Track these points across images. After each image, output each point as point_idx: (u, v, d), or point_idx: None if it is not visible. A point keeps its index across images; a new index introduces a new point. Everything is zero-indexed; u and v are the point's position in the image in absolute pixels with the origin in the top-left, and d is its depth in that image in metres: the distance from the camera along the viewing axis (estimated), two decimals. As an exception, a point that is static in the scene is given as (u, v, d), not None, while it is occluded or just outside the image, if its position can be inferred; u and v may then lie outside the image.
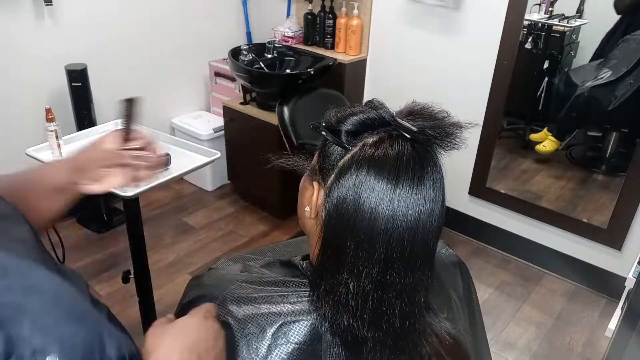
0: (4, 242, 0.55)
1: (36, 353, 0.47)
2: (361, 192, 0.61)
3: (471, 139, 2.82)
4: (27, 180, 0.80)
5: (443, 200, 0.64)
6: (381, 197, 0.60)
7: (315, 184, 0.69)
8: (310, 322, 0.69)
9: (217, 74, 2.99)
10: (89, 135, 1.91)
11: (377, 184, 0.61)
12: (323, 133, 0.68)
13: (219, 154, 1.76)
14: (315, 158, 0.71)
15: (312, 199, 0.69)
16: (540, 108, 2.89)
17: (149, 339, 0.64)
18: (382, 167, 0.61)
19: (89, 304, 0.60)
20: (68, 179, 0.80)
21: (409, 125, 0.63)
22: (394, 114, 0.65)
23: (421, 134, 0.63)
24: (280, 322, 0.68)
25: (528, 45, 2.72)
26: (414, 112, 0.66)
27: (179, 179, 1.69)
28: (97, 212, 2.65)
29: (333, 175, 0.65)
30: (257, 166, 2.77)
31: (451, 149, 0.65)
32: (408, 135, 0.63)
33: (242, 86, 2.73)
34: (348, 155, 0.64)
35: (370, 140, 0.64)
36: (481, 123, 2.44)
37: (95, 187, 0.81)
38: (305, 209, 0.71)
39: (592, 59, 2.68)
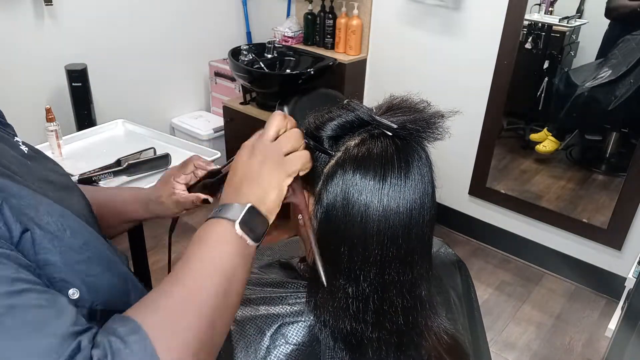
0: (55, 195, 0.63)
1: (62, 281, 0.56)
2: (349, 197, 0.60)
3: (471, 139, 2.83)
4: (109, 209, 0.90)
5: (433, 191, 0.63)
6: (370, 198, 0.60)
7: (304, 191, 0.68)
8: (309, 323, 0.68)
9: (217, 74, 2.99)
10: (89, 135, 1.92)
11: (365, 186, 0.60)
12: (304, 141, 0.67)
13: (219, 154, 1.76)
14: None
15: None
16: (540, 108, 2.89)
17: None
18: (367, 167, 0.60)
19: (119, 261, 0.67)
20: (145, 211, 0.91)
21: (388, 123, 0.61)
22: (373, 112, 0.64)
23: (402, 129, 0.61)
24: (278, 324, 0.68)
25: (528, 45, 2.72)
26: (393, 107, 0.65)
27: (179, 179, 1.69)
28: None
29: (320, 183, 0.64)
30: (257, 166, 2.77)
31: (435, 140, 0.64)
32: (389, 133, 0.62)
33: (242, 86, 2.73)
34: (332, 161, 0.63)
35: (352, 142, 0.63)
36: (481, 123, 2.44)
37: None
38: (299, 217, 0.70)
39: (598, 58, 2.68)
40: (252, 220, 0.58)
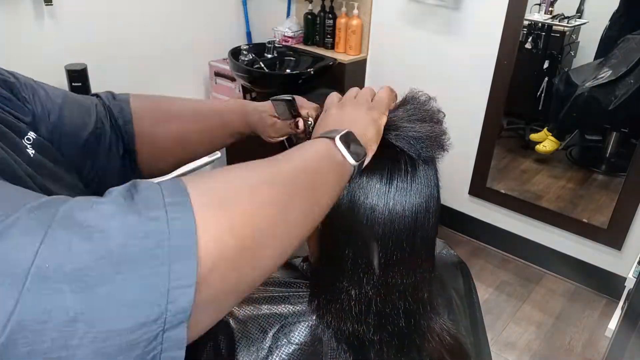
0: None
1: None
2: (355, 199, 0.60)
3: (471, 139, 2.82)
4: (214, 120, 0.88)
5: (438, 195, 0.64)
6: (376, 201, 0.60)
7: None
8: (311, 323, 0.68)
9: (217, 74, 2.98)
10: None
11: (371, 189, 0.60)
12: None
13: (219, 154, 1.75)
14: None
15: None
16: (540, 108, 2.89)
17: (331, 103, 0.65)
18: (373, 170, 0.60)
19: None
20: (248, 128, 0.88)
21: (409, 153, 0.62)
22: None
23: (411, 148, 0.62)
24: (281, 323, 0.68)
25: (528, 45, 2.72)
26: (410, 111, 0.64)
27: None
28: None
29: None
30: (257, 166, 2.77)
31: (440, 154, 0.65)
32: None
33: (242, 86, 2.73)
34: None
35: None
36: (481, 123, 2.44)
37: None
38: None
39: (596, 58, 2.68)
40: (351, 141, 0.56)
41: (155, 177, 0.87)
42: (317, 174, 0.52)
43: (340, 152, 0.54)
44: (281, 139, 0.87)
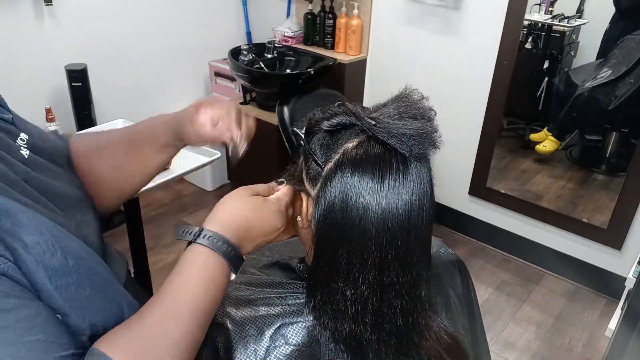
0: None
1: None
2: (348, 199, 0.60)
3: (471, 139, 2.82)
4: (142, 136, 0.89)
5: (432, 192, 0.63)
6: (368, 200, 0.59)
7: (303, 194, 0.68)
8: (308, 324, 0.68)
9: (217, 74, 2.99)
10: (89, 135, 1.91)
11: (363, 188, 0.59)
12: (302, 143, 0.67)
13: (219, 154, 1.76)
14: (299, 168, 0.70)
15: (302, 209, 0.68)
16: (540, 108, 2.89)
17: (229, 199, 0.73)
18: (365, 169, 0.60)
19: (114, 279, 0.65)
20: (175, 137, 0.87)
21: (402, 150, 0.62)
22: (372, 124, 0.63)
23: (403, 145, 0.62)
24: (278, 324, 0.68)
25: (528, 45, 2.72)
26: (401, 108, 0.64)
27: (179, 179, 1.69)
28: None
29: (318, 185, 0.64)
30: (257, 166, 2.77)
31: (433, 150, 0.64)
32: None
33: (242, 86, 2.73)
34: (330, 163, 0.63)
35: (350, 144, 0.62)
36: (481, 123, 2.44)
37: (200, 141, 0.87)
38: (297, 219, 0.70)
39: (599, 58, 2.68)
40: (238, 264, 0.65)
41: (106, 215, 0.91)
42: (210, 304, 0.62)
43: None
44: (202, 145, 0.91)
